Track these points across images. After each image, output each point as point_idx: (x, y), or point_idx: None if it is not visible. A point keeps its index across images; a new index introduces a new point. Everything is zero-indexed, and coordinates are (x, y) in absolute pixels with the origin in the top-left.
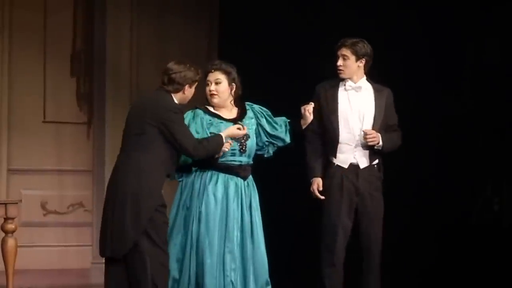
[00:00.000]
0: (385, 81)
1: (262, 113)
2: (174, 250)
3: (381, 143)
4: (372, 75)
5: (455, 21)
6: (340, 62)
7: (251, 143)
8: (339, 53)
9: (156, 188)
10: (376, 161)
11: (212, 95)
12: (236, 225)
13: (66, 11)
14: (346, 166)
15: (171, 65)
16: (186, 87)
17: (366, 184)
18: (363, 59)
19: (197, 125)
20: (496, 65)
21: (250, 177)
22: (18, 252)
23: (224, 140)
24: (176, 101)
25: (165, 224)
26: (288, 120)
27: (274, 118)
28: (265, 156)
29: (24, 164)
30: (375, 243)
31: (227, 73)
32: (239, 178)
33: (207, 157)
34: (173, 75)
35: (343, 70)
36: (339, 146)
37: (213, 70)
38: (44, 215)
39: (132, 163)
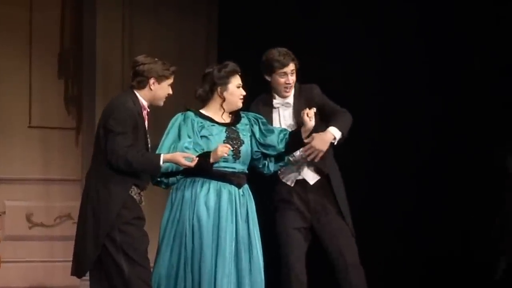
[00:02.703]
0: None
1: (256, 120)
2: (162, 266)
3: (337, 136)
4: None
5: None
6: (291, 79)
7: (246, 149)
8: (287, 70)
9: (114, 201)
10: (325, 174)
11: (242, 99)
12: (229, 237)
13: (53, 8)
14: (292, 184)
15: (138, 58)
16: (152, 81)
17: (318, 198)
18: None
19: (188, 128)
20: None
21: (246, 186)
22: (1, 268)
23: (161, 162)
24: (143, 101)
25: (143, 237)
26: (288, 131)
27: (269, 127)
28: (265, 172)
29: (8, 172)
30: (348, 260)
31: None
32: (232, 186)
33: (132, 171)
34: (137, 68)
35: (291, 86)
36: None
37: (240, 74)
38: (30, 228)
39: (92, 174)
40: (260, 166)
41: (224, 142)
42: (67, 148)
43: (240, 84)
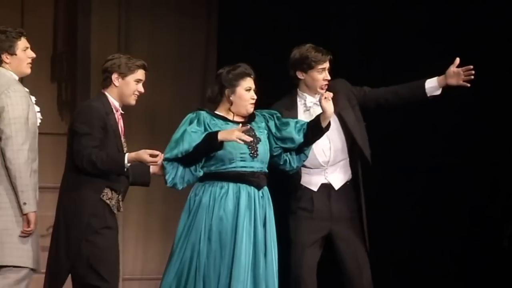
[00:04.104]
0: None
1: (272, 115)
2: (172, 273)
3: None
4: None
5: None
6: (328, 75)
7: (264, 147)
8: (326, 65)
9: (85, 205)
10: (349, 178)
11: (253, 103)
12: (246, 243)
13: (46, 8)
14: (316, 189)
15: (107, 57)
16: (115, 76)
17: (341, 206)
18: None
19: (199, 122)
20: None
21: (266, 187)
22: None
23: (126, 161)
24: (114, 101)
25: (111, 249)
26: (306, 121)
27: (284, 120)
28: (288, 169)
29: None
30: (363, 274)
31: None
32: (252, 187)
33: (98, 173)
34: (104, 65)
35: (327, 85)
36: (306, 169)
37: (252, 76)
38: None
39: (63, 182)
40: (281, 163)
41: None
42: (61, 154)
43: (249, 87)
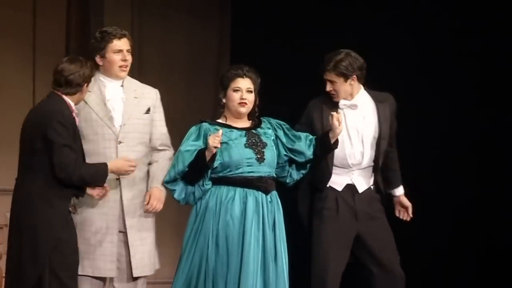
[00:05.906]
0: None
1: (280, 125)
2: (181, 279)
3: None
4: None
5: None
6: (328, 87)
7: (271, 152)
8: (324, 77)
9: (57, 216)
10: (371, 184)
11: (243, 103)
12: (254, 248)
13: (58, 11)
14: (340, 189)
15: (66, 66)
16: (85, 86)
17: (365, 206)
18: (353, 76)
19: (199, 135)
20: None
21: (274, 192)
22: (3, 283)
23: (108, 170)
24: (72, 104)
25: (74, 255)
26: (314, 137)
27: (295, 132)
28: (288, 181)
29: (10, 183)
30: (394, 271)
31: (256, 83)
32: (259, 192)
33: (80, 184)
34: (71, 77)
35: (335, 95)
36: (334, 168)
37: (244, 77)
38: None
39: (26, 188)
40: (284, 174)
41: (245, 146)
42: None
43: (238, 87)
